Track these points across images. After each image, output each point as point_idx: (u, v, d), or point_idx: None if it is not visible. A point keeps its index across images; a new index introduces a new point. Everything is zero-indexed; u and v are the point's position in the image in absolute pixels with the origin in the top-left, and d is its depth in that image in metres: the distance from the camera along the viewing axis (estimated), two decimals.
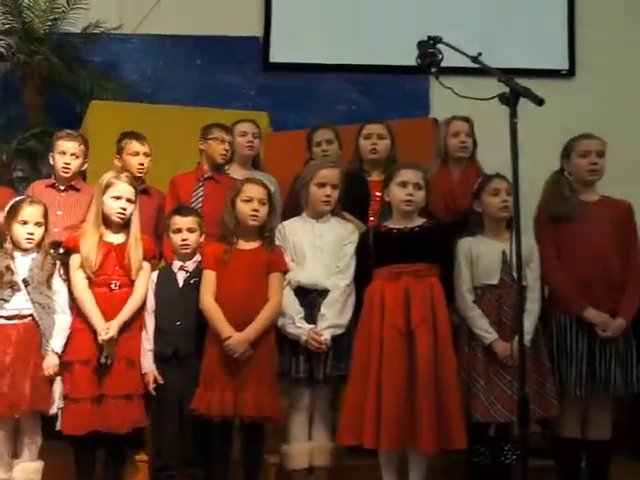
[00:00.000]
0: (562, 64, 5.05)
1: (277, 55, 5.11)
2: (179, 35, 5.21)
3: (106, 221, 2.86)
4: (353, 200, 3.11)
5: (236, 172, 3.47)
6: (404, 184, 2.79)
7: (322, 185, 2.89)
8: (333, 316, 2.78)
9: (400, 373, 2.60)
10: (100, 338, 2.71)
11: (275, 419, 2.78)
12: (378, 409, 2.60)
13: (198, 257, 2.92)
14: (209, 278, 2.80)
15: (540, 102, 2.17)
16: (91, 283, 2.80)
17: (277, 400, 2.76)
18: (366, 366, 2.67)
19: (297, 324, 2.77)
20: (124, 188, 2.87)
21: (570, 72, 5.02)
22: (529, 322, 2.68)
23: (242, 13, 5.18)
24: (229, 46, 5.17)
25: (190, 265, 2.91)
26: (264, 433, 2.82)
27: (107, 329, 2.70)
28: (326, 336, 2.74)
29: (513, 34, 4.97)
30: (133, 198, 2.89)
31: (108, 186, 2.85)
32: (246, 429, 2.78)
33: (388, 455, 2.73)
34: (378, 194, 3.08)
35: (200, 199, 3.32)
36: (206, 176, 3.38)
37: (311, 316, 2.80)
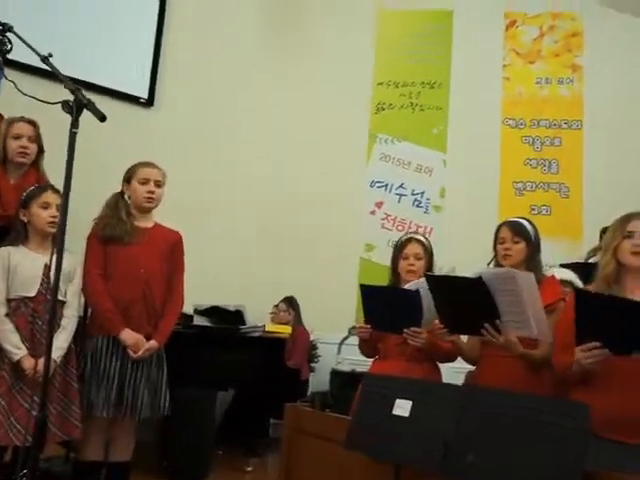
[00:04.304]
0: (143, 93, 5.18)
1: None
2: None
3: None
4: None
5: None
6: None
7: None
8: None
9: None
10: None
11: None
12: None
13: None
14: None
15: (102, 118, 2.15)
16: None
17: None
18: None
19: None
20: None
21: (149, 102, 5.18)
22: (62, 339, 2.62)
23: None
24: None
25: None
26: None
27: None
28: None
29: (106, 55, 4.91)
30: None
31: None
32: None
33: None
34: None
35: None
36: None
37: None
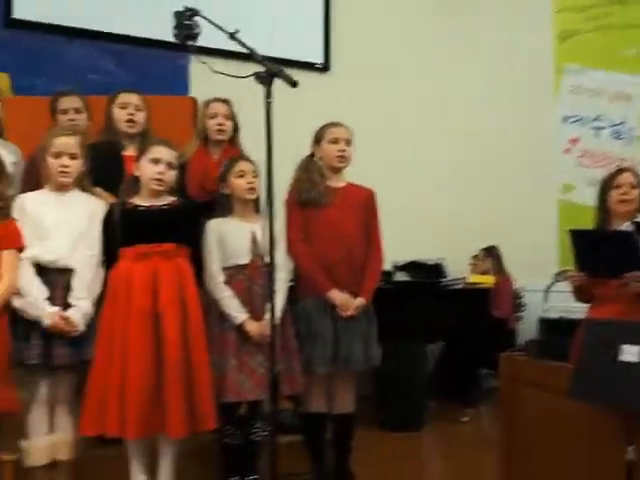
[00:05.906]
0: (318, 58, 5.24)
1: (22, 11, 4.54)
2: None
3: None
4: (105, 174, 2.90)
5: None
6: (156, 161, 2.68)
7: (58, 155, 2.67)
8: (84, 295, 2.61)
9: (146, 357, 2.50)
10: None
11: (10, 413, 2.51)
12: (122, 395, 2.47)
13: None
14: None
15: (294, 84, 2.21)
16: None
17: (12, 392, 2.50)
18: (110, 350, 2.52)
19: (40, 306, 2.54)
20: None
21: (325, 67, 5.23)
22: (278, 301, 2.71)
23: None
24: None
25: None
26: None
27: None
28: (76, 317, 2.57)
29: (272, 25, 5.01)
30: None
31: None
32: None
33: (136, 443, 2.62)
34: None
35: None
36: None
37: (50, 297, 2.58)
